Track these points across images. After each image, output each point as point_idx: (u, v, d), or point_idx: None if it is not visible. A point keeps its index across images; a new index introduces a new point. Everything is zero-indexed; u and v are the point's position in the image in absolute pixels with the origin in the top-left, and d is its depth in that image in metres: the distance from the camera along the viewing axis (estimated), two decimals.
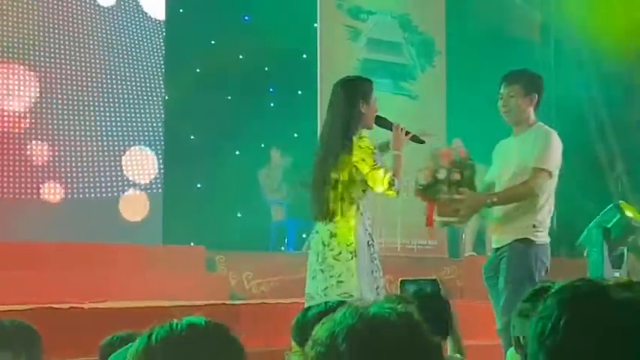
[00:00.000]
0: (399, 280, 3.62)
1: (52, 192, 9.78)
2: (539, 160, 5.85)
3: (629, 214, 9.25)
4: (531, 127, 6.03)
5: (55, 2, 10.03)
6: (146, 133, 10.62)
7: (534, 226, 5.84)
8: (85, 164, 10.07)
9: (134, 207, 10.35)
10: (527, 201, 5.85)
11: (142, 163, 10.54)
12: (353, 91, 5.73)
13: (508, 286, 5.74)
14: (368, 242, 5.58)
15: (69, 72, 10.10)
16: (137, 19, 10.62)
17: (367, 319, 1.80)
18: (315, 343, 1.82)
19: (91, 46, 10.31)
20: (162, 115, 10.81)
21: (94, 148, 10.14)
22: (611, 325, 1.69)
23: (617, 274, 9.08)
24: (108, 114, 10.35)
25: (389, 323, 1.80)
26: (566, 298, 1.76)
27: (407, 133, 5.75)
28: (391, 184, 5.54)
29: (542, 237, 5.88)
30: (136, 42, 10.67)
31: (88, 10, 10.33)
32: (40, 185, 9.74)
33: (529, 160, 5.84)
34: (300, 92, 11.97)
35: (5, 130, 9.62)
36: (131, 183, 10.43)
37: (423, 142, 5.86)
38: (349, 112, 5.65)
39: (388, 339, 1.79)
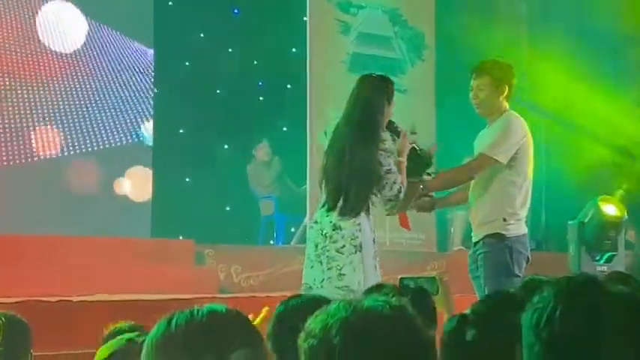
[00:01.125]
0: (399, 277, 3.66)
1: (41, 185, 9.74)
2: (487, 146, 5.90)
3: (607, 209, 9.30)
4: (501, 116, 6.06)
5: None
6: (135, 127, 10.59)
7: (505, 220, 5.87)
8: (73, 157, 10.04)
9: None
10: (497, 194, 5.87)
11: (132, 158, 10.51)
12: (385, 88, 5.74)
13: (487, 282, 5.78)
14: (373, 239, 5.63)
15: (57, 65, 10.07)
16: (125, 12, 10.58)
17: (361, 312, 1.81)
18: (308, 336, 1.83)
19: (79, 40, 10.27)
20: (152, 109, 10.78)
21: (83, 142, 10.11)
22: (605, 316, 1.71)
23: (603, 268, 9.16)
24: (97, 108, 10.32)
25: (382, 316, 1.81)
26: (561, 289, 1.77)
27: (411, 142, 5.82)
28: (398, 194, 5.56)
29: (515, 229, 5.89)
30: (125, 35, 10.64)
31: (77, 5, 10.30)
32: (28, 178, 9.70)
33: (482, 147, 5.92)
34: (289, 86, 11.97)
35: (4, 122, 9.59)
36: (120, 177, 10.39)
37: (418, 153, 5.88)
38: (381, 107, 5.63)
39: (381, 332, 1.79)
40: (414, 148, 5.81)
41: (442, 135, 11.85)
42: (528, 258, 5.92)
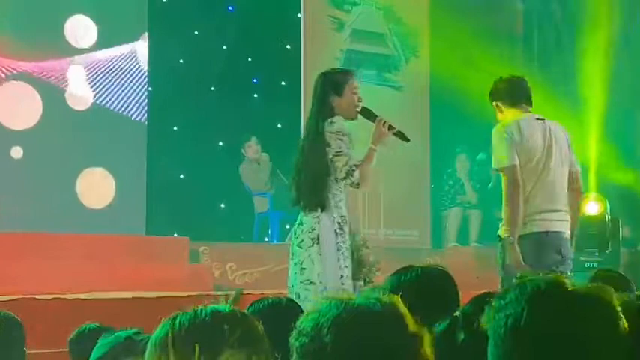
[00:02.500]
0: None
1: (35, 182, 9.74)
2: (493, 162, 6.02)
3: (587, 207, 9.56)
4: None
5: None
6: (129, 124, 10.58)
7: (501, 221, 5.99)
8: (67, 154, 10.03)
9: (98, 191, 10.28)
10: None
11: (124, 155, 10.50)
12: (324, 83, 5.75)
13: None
14: (335, 230, 5.54)
15: (51, 63, 10.07)
16: (119, 9, 10.57)
17: (352, 310, 1.81)
18: (299, 334, 1.83)
19: (72, 37, 10.27)
20: (146, 106, 10.77)
21: (77, 139, 10.10)
22: (567, 318, 1.75)
23: (593, 265, 9.24)
24: (91, 107, 10.31)
25: (374, 313, 1.81)
26: (526, 293, 1.82)
27: (390, 127, 5.73)
28: (349, 174, 5.54)
29: (507, 232, 5.93)
30: (119, 32, 10.63)
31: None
32: (22, 176, 9.70)
33: None
34: (283, 83, 11.96)
35: None
36: (114, 174, 10.38)
37: (407, 139, 5.83)
38: (319, 102, 5.67)
39: (373, 329, 1.79)
40: (364, 107, 5.78)
41: (436, 131, 11.87)
42: (562, 256, 5.90)
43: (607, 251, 10.31)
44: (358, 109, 5.73)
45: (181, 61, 11.40)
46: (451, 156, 12.04)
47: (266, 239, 11.05)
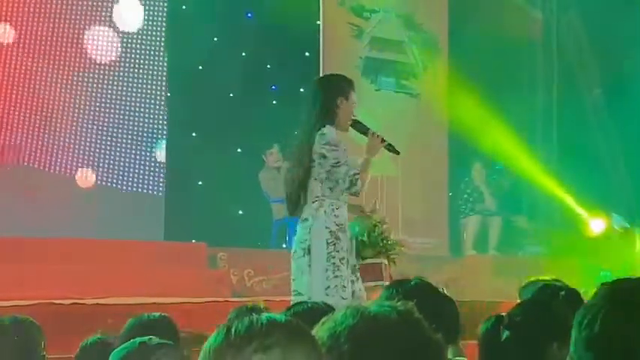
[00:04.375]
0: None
1: (54, 188, 9.78)
2: None
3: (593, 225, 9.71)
4: None
5: None
6: (148, 131, 10.62)
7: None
8: (87, 161, 10.08)
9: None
10: None
11: (144, 161, 10.54)
12: (330, 86, 5.77)
13: None
14: (327, 240, 5.47)
15: (72, 69, 10.11)
16: (139, 16, 10.61)
17: (368, 319, 1.81)
18: None
19: (94, 45, 10.31)
20: (165, 113, 10.81)
21: (97, 145, 10.14)
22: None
23: None
24: (111, 111, 10.35)
25: (390, 322, 1.81)
26: (606, 292, 1.88)
27: (383, 140, 5.70)
28: (352, 184, 5.53)
29: None
30: (138, 39, 10.67)
31: (92, 8, 10.34)
32: (42, 181, 9.74)
33: None
34: (302, 90, 11.96)
35: (11, 124, 9.63)
36: (133, 179, 10.42)
37: (398, 152, 5.82)
38: (324, 105, 5.66)
39: (389, 337, 1.80)
40: (355, 120, 5.78)
41: (454, 138, 11.85)
42: None
43: None
44: (350, 122, 5.72)
45: (200, 67, 11.43)
46: (468, 164, 12.02)
47: (284, 246, 11.03)
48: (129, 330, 3.54)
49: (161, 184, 10.64)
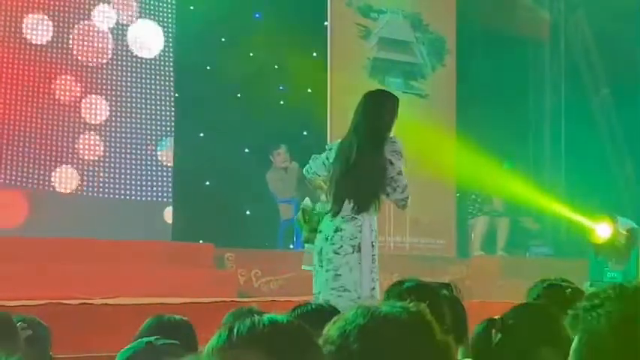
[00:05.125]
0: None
1: (64, 188, 9.80)
2: None
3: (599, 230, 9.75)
4: None
5: None
6: (156, 131, 10.62)
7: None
8: (94, 161, 10.08)
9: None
10: None
11: (151, 161, 10.54)
12: (394, 101, 5.88)
13: None
14: (372, 242, 5.62)
15: (79, 70, 10.13)
16: (147, 16, 10.62)
17: (379, 319, 1.81)
18: (325, 342, 1.83)
19: (101, 45, 10.32)
20: (173, 113, 10.81)
21: (105, 146, 10.15)
22: None
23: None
24: (118, 112, 10.36)
25: (400, 322, 1.81)
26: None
27: None
28: (407, 198, 5.68)
29: None
30: (146, 39, 10.67)
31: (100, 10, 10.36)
32: (52, 180, 9.76)
33: None
34: (309, 90, 11.97)
35: (20, 124, 9.64)
36: (141, 180, 10.43)
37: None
38: (390, 111, 5.79)
39: (399, 338, 1.79)
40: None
41: (462, 139, 11.84)
42: None
43: None
44: None
45: (208, 67, 11.43)
46: (475, 164, 12.01)
47: (291, 246, 11.05)
48: (147, 330, 3.53)
49: (169, 185, 10.64)
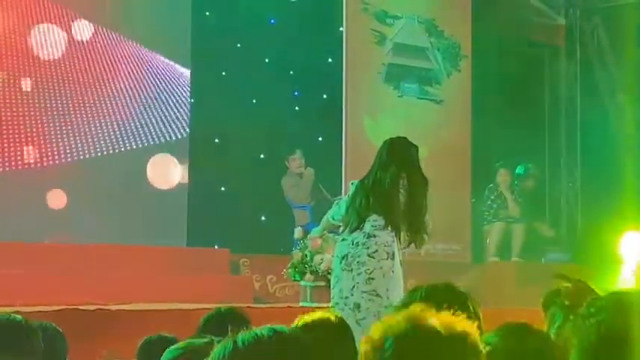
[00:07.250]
0: None
1: (79, 193, 9.82)
2: None
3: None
4: None
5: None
6: (171, 136, 10.65)
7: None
8: (110, 167, 10.12)
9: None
10: None
11: (167, 167, 10.57)
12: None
13: None
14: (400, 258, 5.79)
15: (94, 76, 10.17)
16: (163, 23, 10.66)
17: (421, 330, 1.82)
18: (367, 340, 1.86)
19: (118, 50, 10.36)
20: (188, 118, 10.84)
21: (120, 151, 10.18)
22: None
23: None
24: (134, 116, 10.40)
25: (441, 338, 1.81)
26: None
27: None
28: (428, 233, 5.87)
29: None
30: (162, 45, 10.71)
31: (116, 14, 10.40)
32: (66, 186, 9.79)
33: None
34: (325, 96, 11.98)
35: (37, 127, 9.68)
36: (156, 185, 10.46)
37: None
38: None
39: (437, 354, 1.80)
40: None
41: (477, 145, 11.83)
42: None
43: None
44: None
45: (223, 73, 11.46)
46: (492, 170, 11.99)
47: None
48: (205, 323, 3.65)
49: (184, 190, 10.66)
